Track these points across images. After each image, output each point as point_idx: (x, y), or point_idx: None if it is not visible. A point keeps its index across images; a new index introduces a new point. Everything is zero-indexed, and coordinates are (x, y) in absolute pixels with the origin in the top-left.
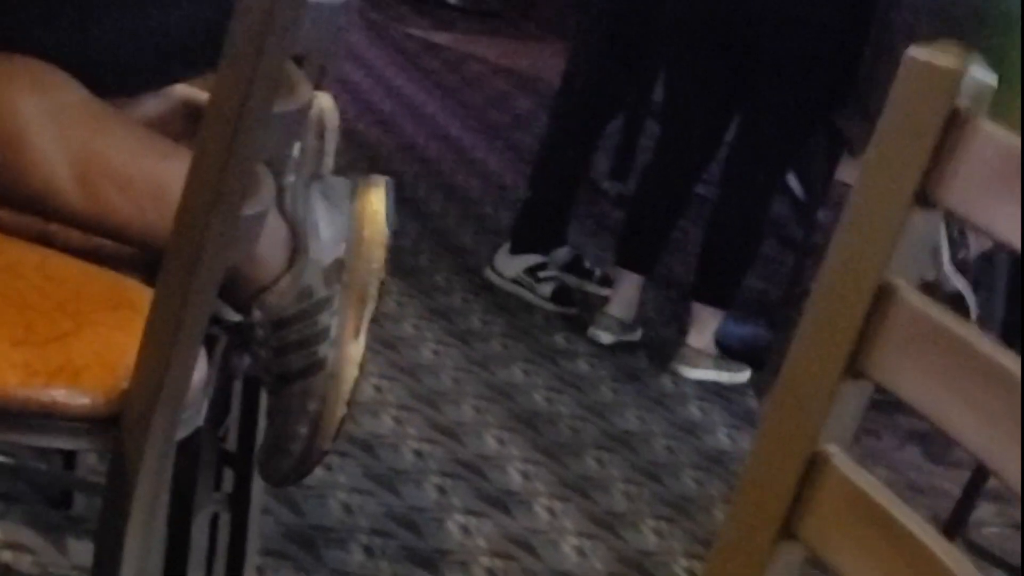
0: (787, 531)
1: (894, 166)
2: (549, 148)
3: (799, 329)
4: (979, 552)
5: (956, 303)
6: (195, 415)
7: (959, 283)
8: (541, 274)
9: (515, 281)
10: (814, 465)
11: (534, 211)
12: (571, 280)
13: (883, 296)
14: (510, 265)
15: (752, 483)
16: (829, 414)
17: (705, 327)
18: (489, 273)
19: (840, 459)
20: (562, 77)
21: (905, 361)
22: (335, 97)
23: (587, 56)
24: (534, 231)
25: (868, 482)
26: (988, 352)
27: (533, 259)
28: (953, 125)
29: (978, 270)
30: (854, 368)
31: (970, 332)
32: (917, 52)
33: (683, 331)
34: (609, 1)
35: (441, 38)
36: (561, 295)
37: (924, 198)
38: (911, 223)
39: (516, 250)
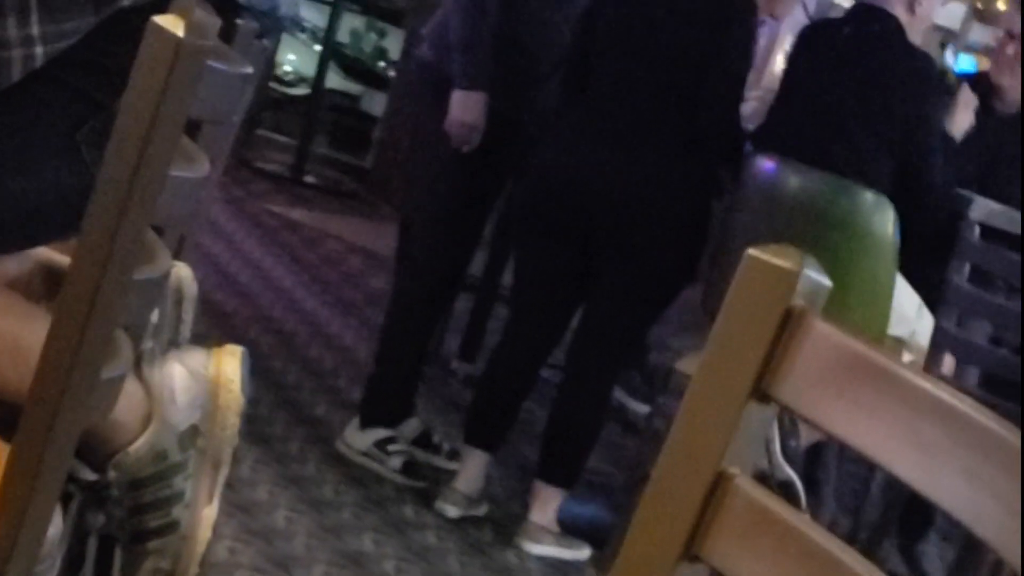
0: None
1: (732, 360)
2: (392, 326)
3: (638, 512)
4: None
5: (786, 491)
6: (49, 569)
7: (789, 472)
8: (390, 447)
9: (365, 454)
10: None
11: (380, 386)
12: (420, 454)
13: (719, 484)
14: (360, 439)
15: None
16: None
17: (548, 505)
18: (340, 446)
19: None
20: (397, 254)
21: (739, 547)
22: (194, 267)
23: (428, 236)
24: (381, 406)
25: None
26: (819, 540)
27: (382, 433)
28: (788, 323)
29: (806, 460)
30: (690, 552)
31: (801, 521)
32: (756, 252)
33: (527, 508)
34: (452, 185)
35: (299, 215)
36: (410, 468)
37: (760, 392)
38: (747, 416)
39: (365, 424)
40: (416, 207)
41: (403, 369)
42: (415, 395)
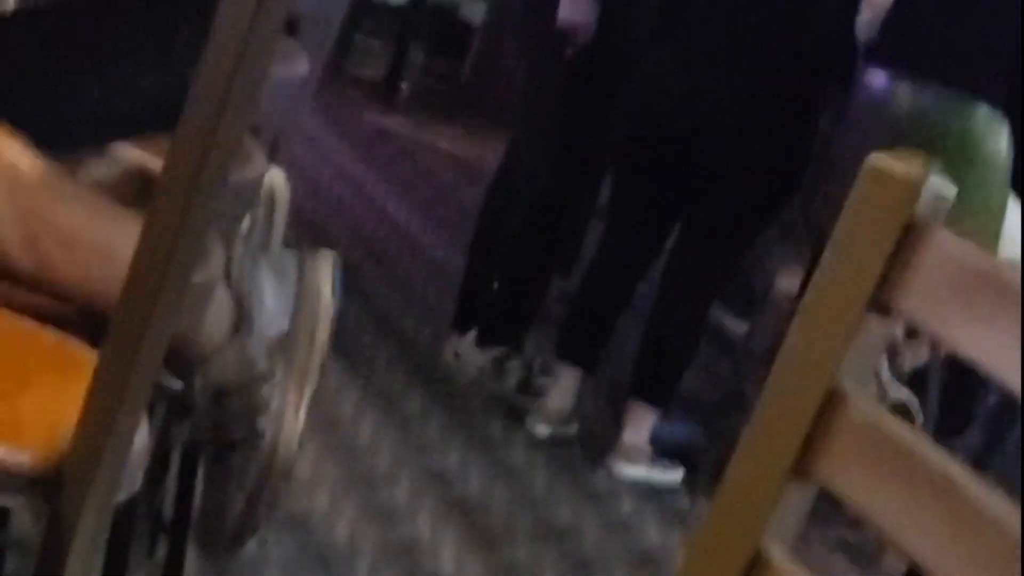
0: None
1: (850, 271)
2: (518, 245)
3: (747, 429)
4: None
5: (901, 411)
6: (134, 479)
7: (903, 391)
8: (507, 365)
9: (480, 370)
10: (755, 564)
11: (503, 307)
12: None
13: (832, 400)
14: (477, 356)
15: None
16: (773, 513)
17: (640, 425)
18: (452, 361)
19: (780, 557)
20: (501, 173)
21: (850, 464)
22: (286, 173)
23: (547, 158)
24: (502, 325)
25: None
26: (934, 459)
27: (498, 350)
28: (910, 233)
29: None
30: (800, 469)
31: (917, 440)
32: (878, 159)
33: (619, 428)
34: (560, 103)
35: (393, 124)
36: (526, 386)
37: (878, 305)
38: (864, 329)
39: (483, 343)
40: (528, 122)
41: (527, 289)
42: (534, 314)
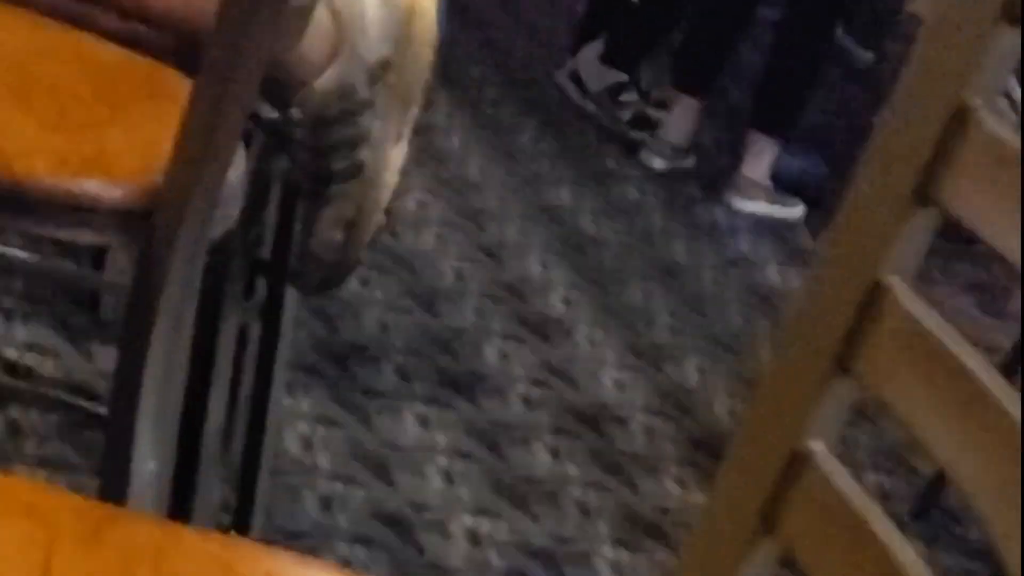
0: (840, 364)
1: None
2: None
3: (863, 159)
4: None
5: None
6: (230, 214)
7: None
8: (623, 97)
9: (595, 99)
10: (873, 296)
11: (634, 23)
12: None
13: (959, 118)
14: (596, 76)
15: (804, 316)
16: (893, 246)
17: (761, 157)
18: (565, 80)
19: (901, 290)
20: None
21: (975, 193)
22: None
23: None
24: (631, 47)
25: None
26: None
27: (618, 76)
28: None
29: None
30: (921, 192)
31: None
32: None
33: (738, 160)
34: None
35: None
36: (641, 119)
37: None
38: (997, 43)
39: (607, 60)
40: None
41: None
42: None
